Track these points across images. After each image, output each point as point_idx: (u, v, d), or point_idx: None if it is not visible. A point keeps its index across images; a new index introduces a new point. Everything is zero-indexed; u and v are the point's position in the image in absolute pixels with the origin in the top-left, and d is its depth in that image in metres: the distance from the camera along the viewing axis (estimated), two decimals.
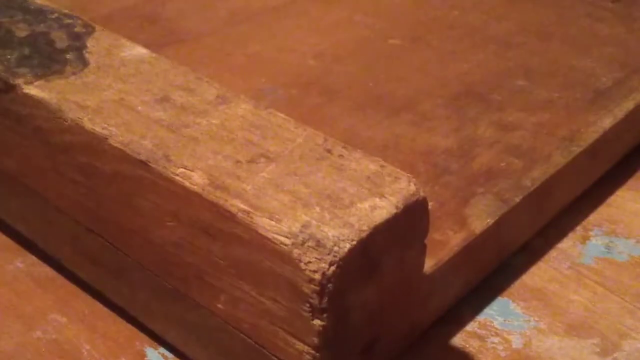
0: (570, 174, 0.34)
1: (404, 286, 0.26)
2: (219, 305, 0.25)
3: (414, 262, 0.26)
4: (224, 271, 0.24)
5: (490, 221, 0.30)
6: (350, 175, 0.24)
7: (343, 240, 0.22)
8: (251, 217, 0.23)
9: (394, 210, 0.23)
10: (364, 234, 0.22)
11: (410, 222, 0.24)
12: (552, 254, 0.33)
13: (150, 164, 0.25)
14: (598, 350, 0.29)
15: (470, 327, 0.30)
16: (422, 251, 0.26)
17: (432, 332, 0.29)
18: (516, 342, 0.29)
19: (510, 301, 0.31)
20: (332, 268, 0.22)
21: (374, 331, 0.25)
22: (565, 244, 0.34)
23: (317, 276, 0.22)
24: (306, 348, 0.23)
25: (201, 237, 0.24)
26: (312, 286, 0.22)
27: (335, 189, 0.24)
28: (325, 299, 0.22)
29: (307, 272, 0.22)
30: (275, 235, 0.22)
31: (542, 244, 0.34)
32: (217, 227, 0.24)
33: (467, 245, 0.29)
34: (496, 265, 0.32)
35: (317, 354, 0.23)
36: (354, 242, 0.22)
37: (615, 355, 0.29)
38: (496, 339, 0.29)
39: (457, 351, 0.29)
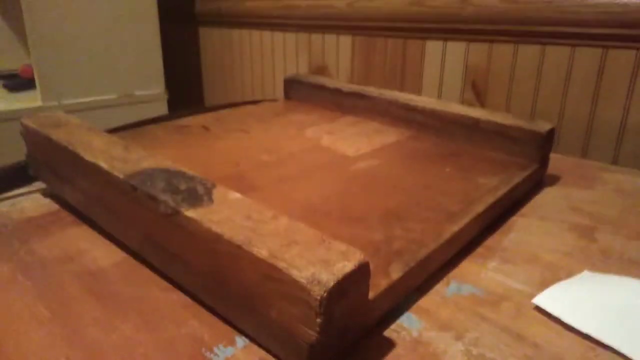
0: (438, 252, 0.35)
1: (358, 304, 0.27)
2: (273, 314, 0.26)
3: (363, 293, 0.27)
4: (275, 296, 0.25)
5: (400, 274, 0.32)
6: (333, 251, 0.26)
7: (329, 281, 0.24)
8: (289, 270, 0.24)
9: (353, 267, 0.25)
10: (339, 278, 0.24)
11: (361, 273, 0.26)
12: (431, 291, 0.34)
13: (243, 247, 0.26)
14: (455, 337, 0.30)
15: (392, 327, 0.31)
16: (367, 288, 0.27)
17: (374, 329, 0.30)
18: (414, 334, 0.30)
19: (412, 314, 0.32)
20: (325, 294, 0.23)
21: (345, 325, 0.26)
22: (438, 286, 0.35)
23: (319, 298, 0.23)
24: (312, 332, 0.24)
25: (266, 280, 0.26)
26: (316, 302, 0.23)
27: (327, 258, 0.25)
28: (322, 308, 0.23)
29: (314, 296, 0.23)
30: (300, 279, 0.24)
31: (426, 286, 0.35)
32: (273, 275, 0.25)
33: (389, 286, 0.31)
34: (404, 297, 0.33)
35: (318, 336, 0.24)
36: (335, 282, 0.24)
37: (464, 340, 0.30)
38: (404, 332, 0.30)
39: (385, 338, 0.30)
